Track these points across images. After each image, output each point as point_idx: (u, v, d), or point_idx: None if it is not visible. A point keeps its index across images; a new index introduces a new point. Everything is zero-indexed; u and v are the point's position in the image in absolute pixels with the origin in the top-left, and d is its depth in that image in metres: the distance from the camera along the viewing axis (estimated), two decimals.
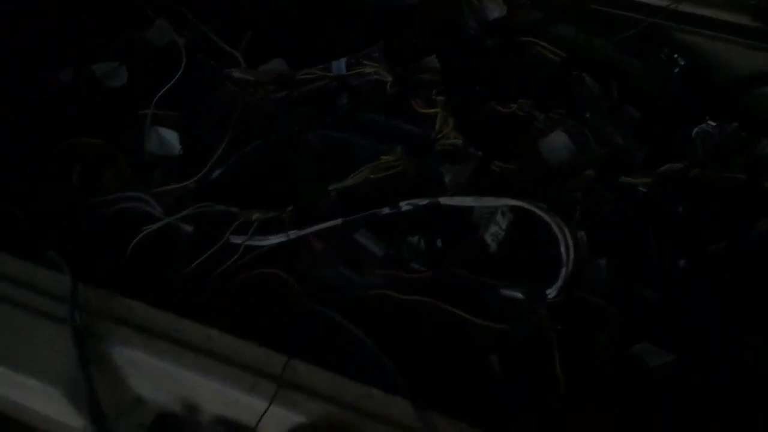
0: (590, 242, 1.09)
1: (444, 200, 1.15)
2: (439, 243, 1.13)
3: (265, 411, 0.85)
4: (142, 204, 1.18)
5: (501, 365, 0.98)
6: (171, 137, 1.30)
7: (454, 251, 1.12)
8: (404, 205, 1.14)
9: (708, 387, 0.99)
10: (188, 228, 1.15)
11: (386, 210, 1.14)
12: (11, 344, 0.94)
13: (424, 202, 1.14)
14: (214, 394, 0.90)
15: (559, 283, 1.05)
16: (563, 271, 1.06)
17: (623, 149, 1.30)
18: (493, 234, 1.12)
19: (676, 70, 1.46)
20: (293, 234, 1.12)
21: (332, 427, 0.85)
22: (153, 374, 0.92)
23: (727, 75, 1.48)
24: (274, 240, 1.13)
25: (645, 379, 1.00)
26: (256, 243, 1.12)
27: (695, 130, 1.33)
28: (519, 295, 1.06)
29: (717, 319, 1.06)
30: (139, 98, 1.34)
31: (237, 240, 1.12)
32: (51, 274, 0.99)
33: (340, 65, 1.39)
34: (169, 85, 1.35)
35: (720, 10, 1.51)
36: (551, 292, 1.05)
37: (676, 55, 1.47)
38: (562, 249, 1.07)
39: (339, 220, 1.13)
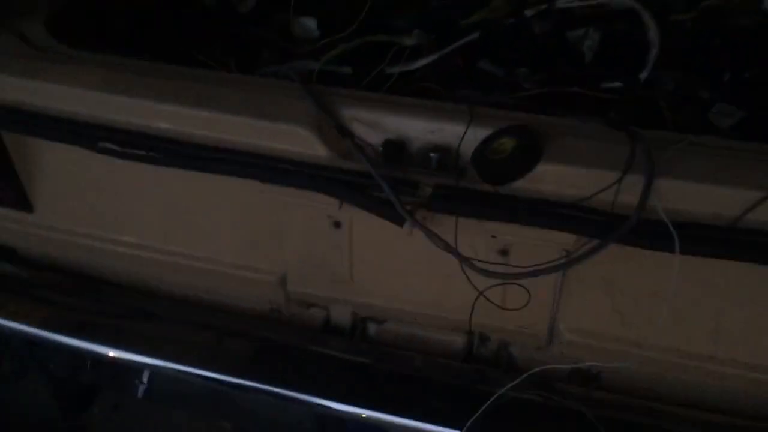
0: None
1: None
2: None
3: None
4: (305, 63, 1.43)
5: None
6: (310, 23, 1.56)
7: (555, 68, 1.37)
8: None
9: None
10: (347, 69, 1.41)
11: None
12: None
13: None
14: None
15: (650, 64, 1.31)
16: (653, 52, 1.31)
17: None
18: (588, 47, 1.39)
19: None
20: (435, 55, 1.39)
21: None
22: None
23: None
24: (423, 61, 1.38)
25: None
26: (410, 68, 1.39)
27: None
28: (618, 84, 1.31)
29: None
30: None
31: (393, 70, 1.36)
32: None
33: None
34: None
35: None
36: (643, 74, 1.30)
37: None
38: (651, 34, 1.32)
39: (476, 34, 1.40)
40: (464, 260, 1.08)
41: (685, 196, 1.02)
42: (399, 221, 1.10)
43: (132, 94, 1.20)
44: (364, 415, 1.26)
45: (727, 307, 1.15)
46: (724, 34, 1.40)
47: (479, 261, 1.08)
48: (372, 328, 1.41)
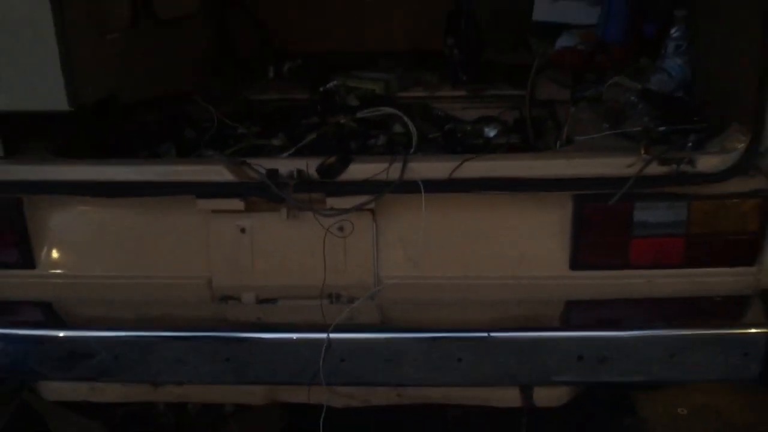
0: None
1: None
2: None
3: None
4: None
5: None
6: None
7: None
8: None
9: None
10: None
11: None
12: None
13: None
14: None
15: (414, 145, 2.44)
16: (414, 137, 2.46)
17: None
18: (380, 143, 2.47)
19: None
20: None
21: None
22: None
23: None
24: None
25: None
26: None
27: None
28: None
29: None
30: None
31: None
32: None
33: None
34: None
35: None
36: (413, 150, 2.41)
37: None
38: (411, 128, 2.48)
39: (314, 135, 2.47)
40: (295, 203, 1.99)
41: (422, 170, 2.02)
42: (279, 200, 2.00)
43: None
44: None
45: (466, 239, 2.09)
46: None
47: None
48: (267, 305, 2.19)
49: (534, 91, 2.77)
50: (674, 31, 2.42)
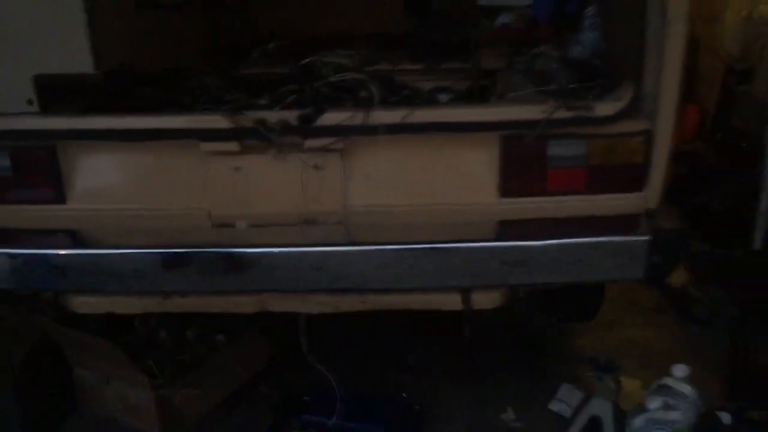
0: None
1: None
2: None
3: None
4: None
5: None
6: None
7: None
8: None
9: None
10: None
11: None
12: None
13: None
14: None
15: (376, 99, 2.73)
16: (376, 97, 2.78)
17: None
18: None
19: None
20: None
21: None
22: None
23: None
24: None
25: None
26: None
27: None
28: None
29: None
30: None
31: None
32: None
33: None
34: None
35: None
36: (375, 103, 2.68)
37: None
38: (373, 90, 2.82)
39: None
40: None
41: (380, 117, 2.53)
42: (268, 142, 2.51)
43: None
44: None
45: (416, 174, 2.61)
46: None
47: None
48: (256, 230, 2.69)
49: (479, 63, 3.32)
50: (589, 10, 2.97)
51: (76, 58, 2.61)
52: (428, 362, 3.86)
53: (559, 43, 3.05)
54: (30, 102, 2.64)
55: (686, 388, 2.91)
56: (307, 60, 3.43)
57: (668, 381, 2.97)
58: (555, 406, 3.49)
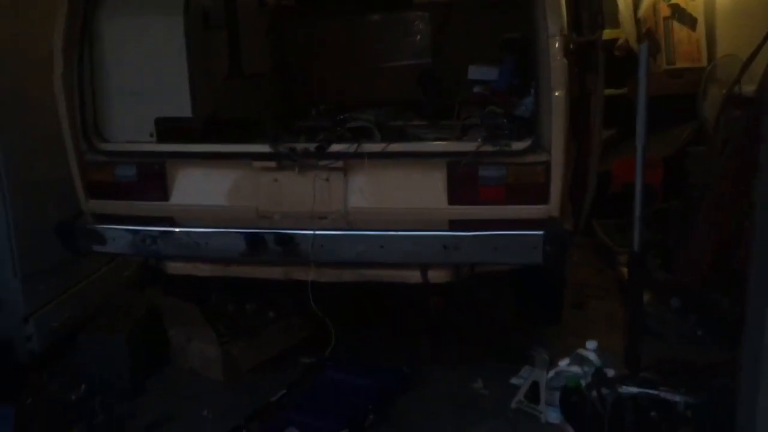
0: None
1: None
2: None
3: None
4: None
5: None
6: None
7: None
8: None
9: None
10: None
11: None
12: None
13: None
14: None
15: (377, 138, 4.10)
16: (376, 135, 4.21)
17: None
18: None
19: None
20: None
21: None
22: None
23: None
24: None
25: None
26: None
27: None
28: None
29: None
30: None
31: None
32: None
33: None
34: None
35: None
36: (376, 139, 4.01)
37: None
38: (376, 133, 4.25)
39: None
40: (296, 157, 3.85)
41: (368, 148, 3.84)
42: (295, 161, 3.87)
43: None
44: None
45: (392, 187, 3.88)
46: None
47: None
48: (286, 219, 4.01)
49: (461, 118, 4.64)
50: (533, 83, 4.20)
51: (182, 108, 4.10)
52: (418, 348, 5.01)
53: (508, 104, 4.31)
54: (151, 134, 4.15)
55: (592, 356, 3.95)
56: (342, 116, 4.82)
57: (581, 351, 4.01)
58: (515, 380, 4.54)
